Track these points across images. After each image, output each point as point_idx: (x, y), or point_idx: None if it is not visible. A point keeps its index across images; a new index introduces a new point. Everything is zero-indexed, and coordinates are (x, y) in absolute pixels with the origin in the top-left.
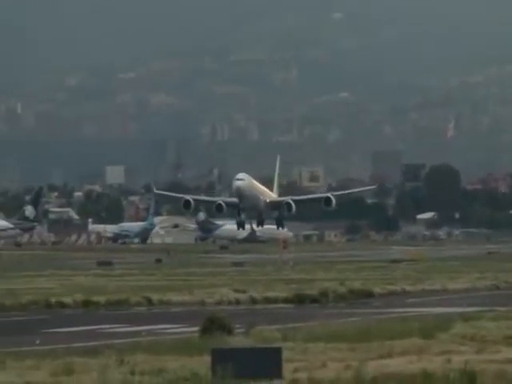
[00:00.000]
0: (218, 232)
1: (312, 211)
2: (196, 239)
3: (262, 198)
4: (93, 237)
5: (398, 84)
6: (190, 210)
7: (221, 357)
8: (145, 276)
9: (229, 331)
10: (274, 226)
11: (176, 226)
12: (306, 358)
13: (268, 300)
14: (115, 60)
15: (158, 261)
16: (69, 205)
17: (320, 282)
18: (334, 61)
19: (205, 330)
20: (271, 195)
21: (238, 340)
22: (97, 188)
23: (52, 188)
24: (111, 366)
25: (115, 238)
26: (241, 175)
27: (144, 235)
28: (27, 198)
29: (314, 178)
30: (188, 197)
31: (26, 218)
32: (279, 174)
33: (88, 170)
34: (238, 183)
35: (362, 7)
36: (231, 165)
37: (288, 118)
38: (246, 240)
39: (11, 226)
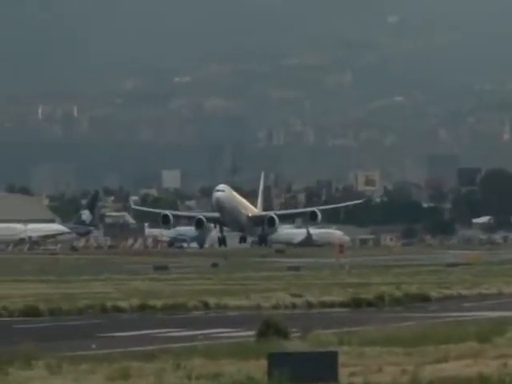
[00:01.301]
0: (274, 236)
1: (368, 215)
2: (252, 243)
3: (243, 211)
4: (149, 241)
5: (454, 88)
6: (170, 224)
7: (277, 361)
8: (201, 280)
9: (285, 335)
10: (330, 230)
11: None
12: (362, 363)
13: (324, 304)
14: (171, 64)
15: (215, 265)
16: (125, 209)
17: (376, 286)
18: (389, 64)
19: (261, 334)
20: (253, 210)
21: (294, 344)
22: (153, 192)
23: (108, 192)
24: (167, 370)
25: (171, 242)
26: (221, 186)
27: (200, 239)
28: (83, 202)
29: (369, 182)
30: (167, 212)
31: (83, 223)
32: (263, 190)
33: (144, 173)
34: (217, 194)
35: (417, 11)
36: (287, 169)
37: (343, 122)
38: (301, 244)
39: (68, 230)
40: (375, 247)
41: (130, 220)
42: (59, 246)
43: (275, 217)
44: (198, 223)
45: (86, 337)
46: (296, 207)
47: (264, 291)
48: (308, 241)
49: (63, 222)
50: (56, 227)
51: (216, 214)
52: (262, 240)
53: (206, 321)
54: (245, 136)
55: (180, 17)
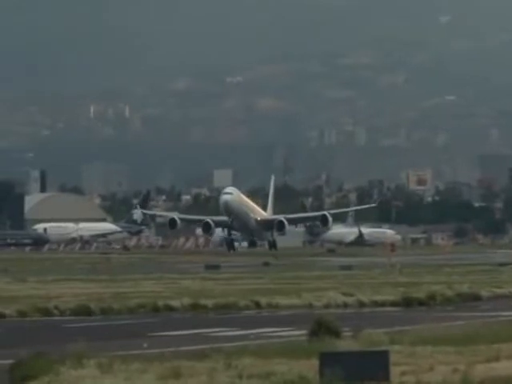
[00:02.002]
0: (325, 235)
1: (420, 215)
2: (304, 242)
3: (252, 215)
4: (200, 240)
5: (506, 87)
6: (177, 228)
7: (328, 360)
8: (253, 279)
9: (336, 334)
10: (382, 229)
11: None
12: (414, 362)
13: (375, 303)
14: (224, 64)
15: (266, 264)
16: (176, 208)
17: (427, 286)
18: (441, 64)
19: (313, 334)
20: (263, 213)
21: (345, 343)
22: (205, 191)
23: (160, 191)
24: (219, 369)
25: (223, 241)
26: (229, 189)
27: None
28: (135, 201)
29: (421, 182)
30: (174, 216)
31: (134, 222)
32: (273, 194)
33: (196, 173)
34: (225, 197)
35: (469, 10)
36: (339, 169)
37: (395, 121)
38: (353, 243)
39: (119, 229)
40: (427, 246)
41: None
42: (110, 245)
43: (285, 221)
44: (206, 227)
45: (138, 336)
46: (348, 207)
47: (315, 290)
48: (359, 240)
49: (115, 221)
50: (107, 226)
51: (224, 218)
52: (272, 245)
53: (258, 320)
54: (296, 136)
55: (233, 17)
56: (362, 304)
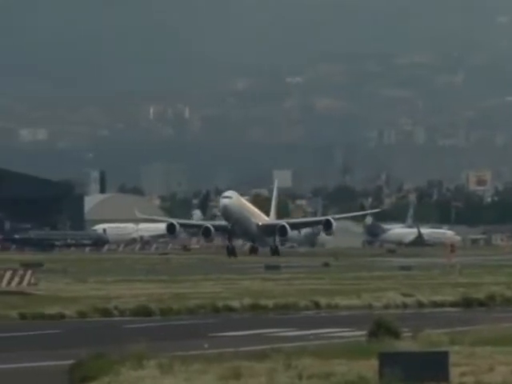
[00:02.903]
0: (385, 236)
1: (479, 215)
2: (363, 243)
3: (253, 220)
4: None
5: None
6: (175, 233)
7: (388, 360)
8: (312, 280)
9: (396, 335)
10: (442, 230)
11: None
12: (473, 362)
13: (435, 304)
14: (283, 64)
15: (326, 265)
16: None
17: (487, 286)
18: (499, 64)
19: (372, 334)
20: (265, 218)
21: (405, 344)
22: (264, 192)
23: (219, 192)
24: (279, 370)
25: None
26: (228, 193)
27: (311, 239)
28: (195, 201)
29: (481, 182)
30: (173, 221)
31: None
32: (276, 198)
33: (255, 173)
34: (224, 201)
35: None
36: (398, 169)
37: (454, 121)
38: (413, 244)
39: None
40: (486, 247)
41: None
42: (170, 246)
43: (287, 226)
44: (205, 232)
45: (198, 336)
46: (407, 207)
47: (375, 291)
48: (419, 240)
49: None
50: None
51: (224, 223)
52: (274, 251)
53: (317, 320)
54: (355, 136)
55: (292, 17)
56: (421, 304)
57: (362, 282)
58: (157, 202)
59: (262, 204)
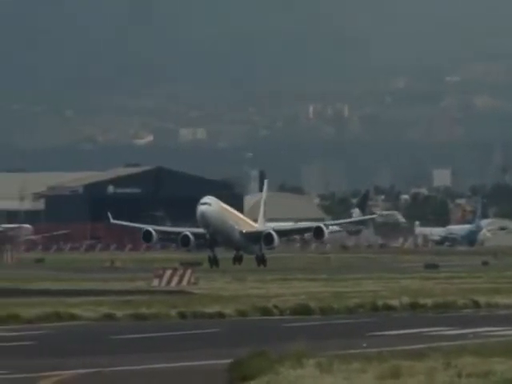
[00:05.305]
0: None
1: None
2: None
3: (236, 227)
4: (419, 240)
5: None
6: (152, 241)
7: None
8: (471, 279)
9: None
10: None
11: (503, 228)
12: None
13: None
14: (441, 63)
15: (485, 263)
16: (395, 208)
17: None
18: None
19: None
20: (251, 225)
21: None
22: (423, 191)
23: (378, 191)
24: (438, 368)
25: (442, 240)
26: (206, 199)
27: (471, 238)
28: (354, 200)
29: None
30: (149, 227)
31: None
32: (265, 201)
33: (415, 172)
34: (201, 208)
35: None
36: None
37: None
38: None
39: (338, 229)
40: None
41: (401, 219)
42: (329, 245)
43: (273, 233)
44: (184, 241)
45: (357, 335)
46: None
47: None
48: None
49: (333, 221)
50: None
51: (202, 230)
52: (260, 260)
53: (476, 319)
54: None
55: (448, 16)
56: None
57: None
58: (316, 200)
59: (421, 203)
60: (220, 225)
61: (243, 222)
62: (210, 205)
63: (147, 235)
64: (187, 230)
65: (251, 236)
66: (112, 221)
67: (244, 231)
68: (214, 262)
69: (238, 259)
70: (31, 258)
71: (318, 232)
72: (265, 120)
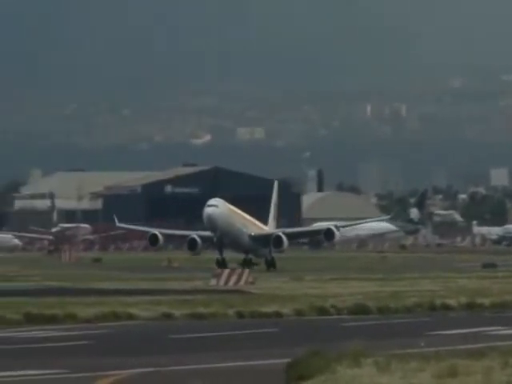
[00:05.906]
0: None
1: None
2: None
3: (244, 230)
4: (477, 239)
5: None
6: (158, 244)
7: None
8: None
9: None
10: None
11: None
12: None
13: None
14: (499, 62)
15: None
16: (453, 207)
17: None
18: None
19: None
20: (261, 227)
21: None
22: (481, 190)
23: (436, 190)
24: (495, 368)
25: (499, 240)
26: (213, 201)
27: None
28: (412, 200)
29: None
30: (156, 231)
31: (411, 221)
32: (276, 203)
33: (472, 172)
34: (208, 210)
35: None
36: None
37: None
38: None
39: (395, 228)
40: None
41: (458, 218)
42: (387, 244)
43: (283, 236)
44: (191, 244)
45: (415, 335)
46: None
47: None
48: None
49: (391, 220)
50: (384, 225)
51: (209, 233)
52: (270, 263)
53: None
54: None
55: (505, 14)
56: None
57: None
58: (373, 200)
59: (478, 202)
60: (227, 227)
61: (252, 225)
62: (217, 207)
63: (153, 239)
64: (194, 234)
65: (260, 239)
66: (118, 224)
67: (253, 234)
68: (222, 264)
69: (246, 263)
70: (89, 258)
71: (328, 234)
72: (322, 119)
